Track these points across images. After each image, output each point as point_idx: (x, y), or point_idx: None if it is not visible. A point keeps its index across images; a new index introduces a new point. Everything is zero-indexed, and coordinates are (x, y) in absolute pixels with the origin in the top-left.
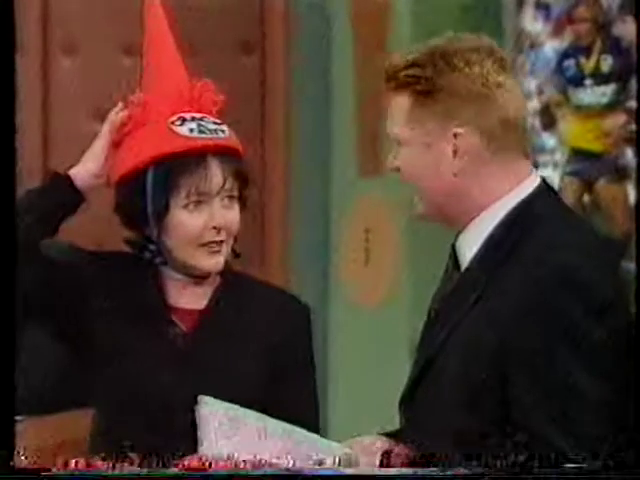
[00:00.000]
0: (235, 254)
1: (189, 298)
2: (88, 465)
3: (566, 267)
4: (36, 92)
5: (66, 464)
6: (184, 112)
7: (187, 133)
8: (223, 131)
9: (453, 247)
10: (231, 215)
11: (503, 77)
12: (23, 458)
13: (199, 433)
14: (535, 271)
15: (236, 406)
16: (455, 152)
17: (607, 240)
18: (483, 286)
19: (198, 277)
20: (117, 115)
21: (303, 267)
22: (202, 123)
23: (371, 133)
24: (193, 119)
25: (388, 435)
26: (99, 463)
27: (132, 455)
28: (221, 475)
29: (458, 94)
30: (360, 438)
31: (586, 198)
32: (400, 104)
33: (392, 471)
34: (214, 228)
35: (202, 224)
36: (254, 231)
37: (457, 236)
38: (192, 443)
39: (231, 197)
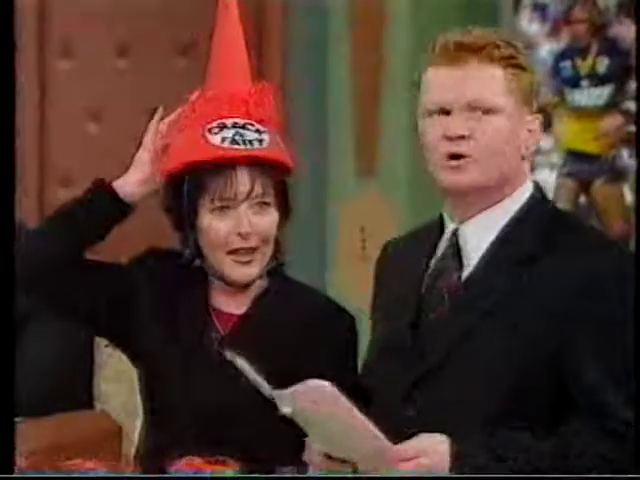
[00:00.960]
0: (278, 262)
1: (232, 302)
2: (86, 466)
3: (619, 249)
4: (33, 94)
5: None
6: (228, 117)
7: (218, 142)
8: (261, 141)
9: (455, 234)
10: (264, 221)
11: None
12: (23, 459)
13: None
14: (584, 260)
15: None
16: (527, 137)
17: None
18: (521, 276)
19: (235, 286)
20: (157, 123)
21: (299, 266)
22: (241, 131)
23: (368, 132)
24: (234, 125)
25: None
26: (97, 464)
27: (128, 456)
28: (214, 478)
29: (535, 77)
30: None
31: (582, 199)
32: (495, 74)
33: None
34: (239, 235)
35: (227, 230)
36: None
37: (459, 226)
38: (222, 446)
39: (264, 203)
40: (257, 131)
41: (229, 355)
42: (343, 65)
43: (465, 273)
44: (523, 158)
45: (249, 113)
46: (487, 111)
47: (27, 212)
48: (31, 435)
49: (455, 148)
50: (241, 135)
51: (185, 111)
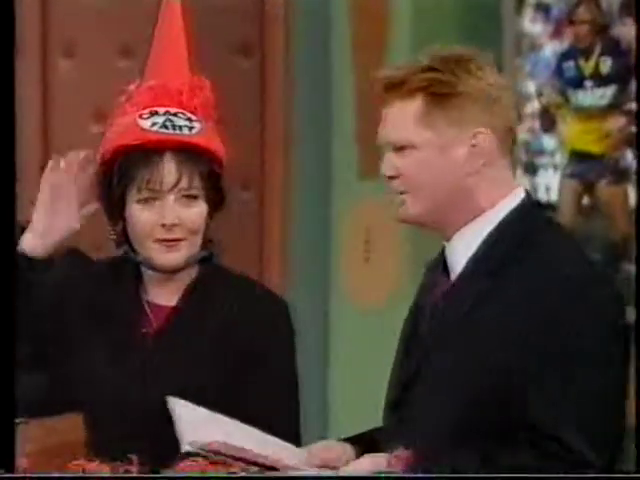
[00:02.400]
0: (210, 252)
1: (164, 293)
2: (90, 467)
3: (576, 277)
4: (35, 93)
5: (65, 466)
6: (161, 105)
7: (147, 126)
8: (191, 128)
9: (442, 252)
10: (190, 213)
11: (504, 81)
12: (23, 460)
13: (177, 430)
14: (545, 279)
15: (200, 408)
16: (471, 153)
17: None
18: (485, 289)
19: (162, 272)
20: (50, 174)
21: (304, 268)
22: (172, 118)
23: (371, 134)
24: (166, 113)
25: (348, 440)
26: (98, 465)
27: (132, 457)
28: (219, 477)
29: (475, 97)
30: (317, 444)
31: (586, 200)
32: (411, 109)
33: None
34: (163, 226)
35: (151, 221)
36: (254, 232)
37: (448, 241)
38: (157, 440)
39: (191, 196)
40: (188, 119)
41: (170, 402)
42: (346, 67)
43: (446, 288)
44: (469, 175)
45: (182, 103)
46: (406, 148)
47: (31, 211)
48: (34, 435)
49: (393, 186)
50: (171, 121)
51: (121, 102)
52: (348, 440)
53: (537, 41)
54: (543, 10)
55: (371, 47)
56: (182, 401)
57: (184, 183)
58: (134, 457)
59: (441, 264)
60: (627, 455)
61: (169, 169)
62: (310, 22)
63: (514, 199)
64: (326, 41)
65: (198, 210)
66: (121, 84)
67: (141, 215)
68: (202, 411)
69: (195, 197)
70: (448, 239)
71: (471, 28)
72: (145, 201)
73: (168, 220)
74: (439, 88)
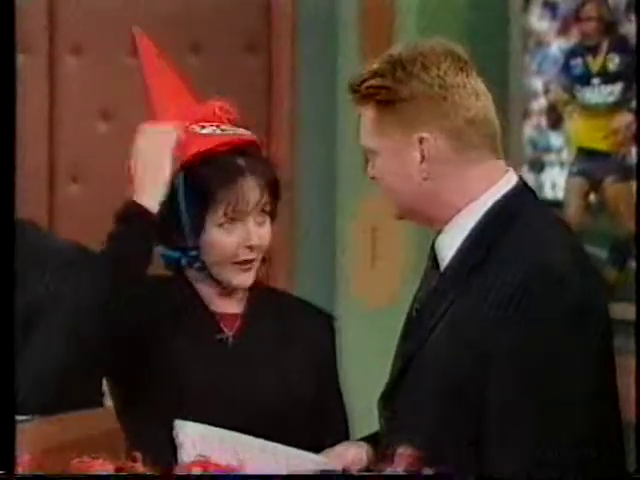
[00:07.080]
0: (263, 260)
1: (228, 303)
2: (96, 466)
3: (547, 265)
4: (42, 91)
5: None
6: (204, 122)
7: (209, 132)
8: (244, 133)
9: (433, 246)
10: (264, 231)
11: (461, 77)
12: (24, 459)
13: (179, 455)
14: (515, 270)
15: (210, 427)
16: (422, 157)
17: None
18: (462, 285)
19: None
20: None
21: (310, 267)
22: (223, 127)
23: None
24: (211, 125)
25: (365, 439)
26: (102, 463)
27: (137, 455)
28: (229, 477)
29: (417, 100)
30: (333, 448)
31: (593, 197)
32: (366, 115)
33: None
34: (248, 247)
35: (236, 243)
36: None
37: (437, 236)
38: None
39: (264, 212)
40: (235, 128)
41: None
42: (353, 65)
43: (434, 282)
44: (425, 179)
45: (221, 120)
46: (372, 152)
47: (37, 209)
48: (42, 433)
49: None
50: (225, 129)
51: None
52: (365, 439)
53: (544, 38)
54: (550, 7)
55: (378, 44)
56: (183, 425)
57: (264, 199)
58: (138, 455)
59: (430, 260)
60: (627, 455)
61: (252, 187)
62: (317, 19)
63: (502, 188)
64: (333, 38)
65: (268, 226)
66: (129, 82)
67: (225, 238)
68: (202, 433)
69: (266, 212)
70: (438, 233)
71: (477, 25)
72: (230, 224)
73: (254, 241)
74: (384, 95)
